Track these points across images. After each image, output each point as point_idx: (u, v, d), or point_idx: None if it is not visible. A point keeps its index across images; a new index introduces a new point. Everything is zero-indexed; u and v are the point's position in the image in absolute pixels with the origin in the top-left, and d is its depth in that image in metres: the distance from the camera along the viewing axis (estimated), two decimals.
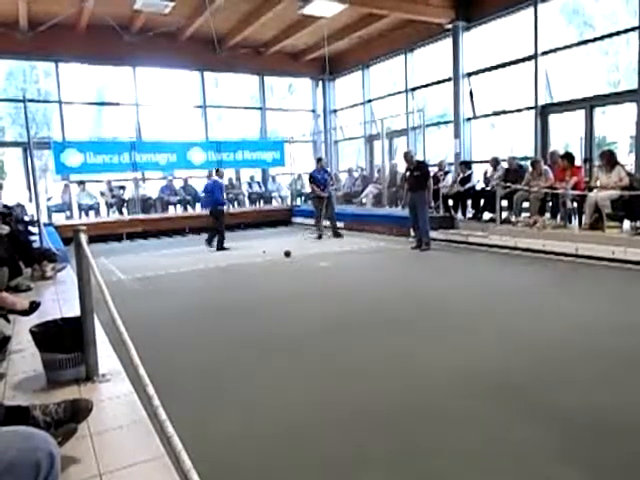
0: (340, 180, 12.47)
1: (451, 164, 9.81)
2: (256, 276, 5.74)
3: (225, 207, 8.16)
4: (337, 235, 8.84)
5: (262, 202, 12.52)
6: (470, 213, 8.06)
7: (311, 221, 10.89)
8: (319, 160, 9.10)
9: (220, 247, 7.91)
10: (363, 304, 4.20)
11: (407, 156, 7.47)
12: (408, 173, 7.38)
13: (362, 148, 12.60)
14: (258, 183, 12.74)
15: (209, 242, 8.13)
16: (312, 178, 8.89)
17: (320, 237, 8.69)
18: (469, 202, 8.04)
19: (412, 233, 7.82)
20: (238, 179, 12.79)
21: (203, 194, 9.00)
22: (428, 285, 4.88)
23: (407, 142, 10.95)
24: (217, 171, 8.50)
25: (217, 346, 3.31)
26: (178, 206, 11.57)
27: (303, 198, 12.69)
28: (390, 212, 9.42)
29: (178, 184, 11.82)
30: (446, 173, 8.90)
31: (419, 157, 8.20)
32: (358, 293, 4.64)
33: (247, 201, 12.75)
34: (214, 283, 5.42)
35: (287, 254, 6.98)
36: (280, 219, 11.46)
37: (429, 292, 4.54)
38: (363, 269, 5.94)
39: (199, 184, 12.07)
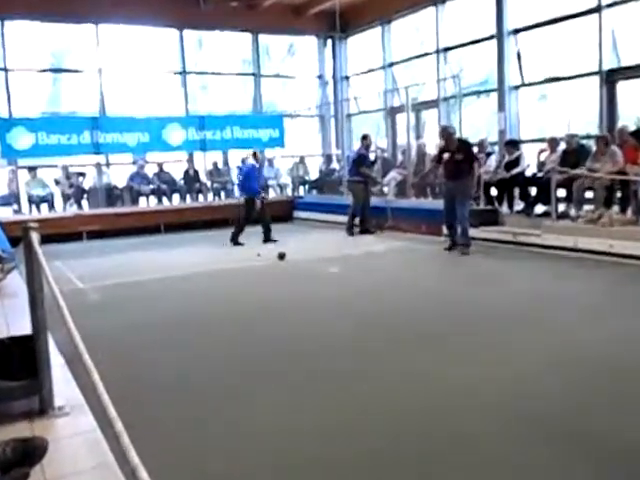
0: None
1: (494, 144, 9.82)
2: (249, 284, 5.86)
3: (258, 198, 8.55)
4: (367, 231, 9.08)
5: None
6: (518, 206, 8.06)
7: (321, 216, 11.09)
8: (365, 138, 9.26)
9: (234, 240, 8.53)
10: (379, 318, 4.32)
11: (445, 133, 7.29)
12: (447, 155, 7.18)
13: (382, 124, 12.61)
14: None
15: (265, 238, 8.60)
16: (364, 159, 9.07)
17: (352, 234, 9.00)
18: (516, 192, 8.03)
19: (445, 231, 7.80)
20: (226, 163, 12.91)
21: (239, 177, 9.79)
22: (464, 296, 4.91)
23: (438, 116, 10.94)
24: (254, 155, 8.97)
25: (201, 369, 3.36)
26: (151, 197, 11.69)
27: (307, 187, 13.03)
28: (417, 204, 9.47)
29: (151, 170, 11.92)
30: (488, 155, 8.85)
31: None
32: (376, 304, 4.75)
33: (237, 190, 13.05)
34: (197, 293, 5.51)
35: (281, 257, 7.08)
36: (279, 213, 11.38)
37: (465, 304, 4.58)
38: (382, 276, 6.00)
39: (177, 170, 12.17)
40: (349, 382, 3.01)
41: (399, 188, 10.48)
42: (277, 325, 4.20)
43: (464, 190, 6.99)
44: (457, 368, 3.12)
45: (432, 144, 10.59)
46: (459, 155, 6.96)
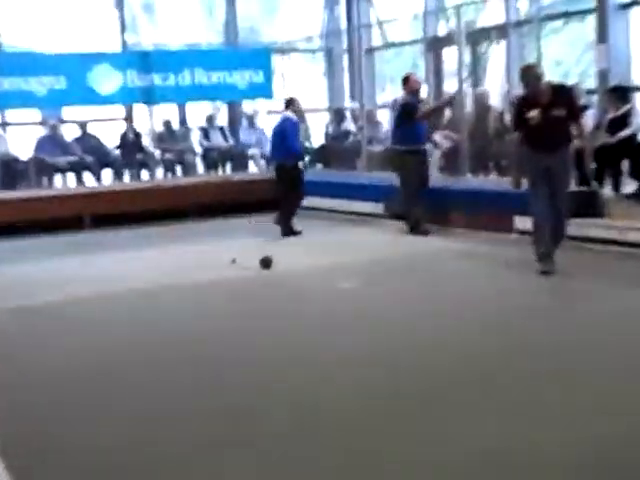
0: (380, 124, 12.55)
1: (590, 92, 9.70)
2: (212, 312, 5.95)
3: (301, 162, 9.11)
4: (417, 230, 9.09)
5: (229, 167, 13.03)
6: (630, 186, 8.05)
7: (328, 203, 11.11)
8: (407, 80, 9.37)
9: (287, 230, 9.21)
10: (420, 368, 4.40)
11: (530, 77, 6.66)
12: (535, 113, 6.65)
13: (420, 64, 12.65)
14: (222, 131, 13.04)
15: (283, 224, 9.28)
16: (412, 111, 9.14)
17: (424, 233, 9.02)
18: (625, 165, 8.08)
19: (533, 238, 7.07)
20: (183, 123, 12.98)
21: (271, 139, 10.13)
22: (551, 332, 4.97)
23: (507, 51, 10.95)
24: (289, 103, 9.48)
25: (134, 450, 3.43)
26: (70, 175, 11.77)
27: (308, 159, 12.76)
28: (477, 186, 9.52)
29: (70, 134, 11.99)
30: (583, 109, 8.81)
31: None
32: (413, 348, 4.80)
33: (200, 165, 12.87)
34: (133, 325, 5.62)
35: (266, 263, 7.25)
36: (264, 199, 11.50)
37: (551, 345, 4.67)
38: (430, 310, 5.87)
39: (110, 134, 12.33)
40: None
41: (447, 161, 10.59)
42: (306, 376, 4.30)
43: (568, 168, 6.88)
44: None
45: (497, 93, 10.50)
46: (558, 110, 6.63)
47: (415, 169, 9.11)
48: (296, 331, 5.26)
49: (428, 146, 10.03)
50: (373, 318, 5.57)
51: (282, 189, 9.37)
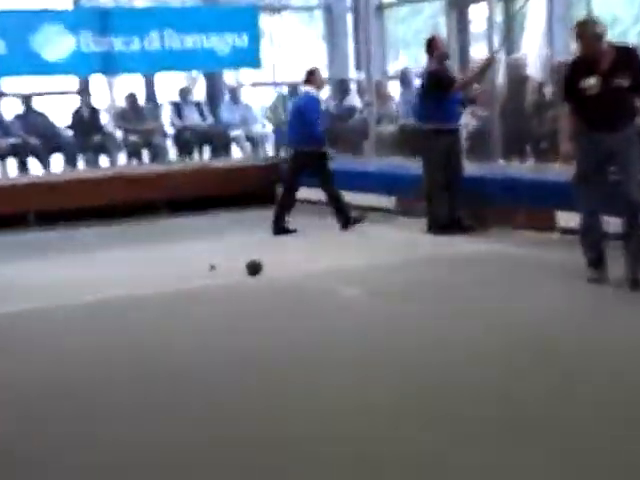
0: (392, 99, 12.52)
1: None
2: (191, 328, 5.95)
3: (324, 147, 9.53)
4: (459, 226, 9.14)
5: (208, 151, 13.07)
6: None
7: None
8: (432, 43, 9.27)
9: (278, 225, 9.58)
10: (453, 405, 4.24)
11: (587, 33, 6.54)
12: (592, 82, 6.53)
13: (441, 25, 13.00)
14: (199, 107, 12.96)
15: (277, 222, 9.62)
16: (447, 79, 9.13)
17: (465, 229, 9.09)
18: None
19: (575, 225, 7.14)
20: (151, 98, 12.99)
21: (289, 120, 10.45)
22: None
23: (548, 7, 11.04)
24: (310, 76, 9.56)
25: None
26: (11, 161, 11.72)
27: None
28: (510, 174, 9.50)
29: (11, 110, 11.99)
30: None
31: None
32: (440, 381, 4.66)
33: (172, 149, 12.87)
34: (96, 341, 5.67)
35: (254, 269, 7.29)
36: (249, 189, 11.55)
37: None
38: (442, 315, 5.97)
39: (60, 111, 12.42)
40: None
41: (474, 144, 10.52)
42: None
43: (635, 150, 6.57)
44: None
45: (536, 59, 10.50)
46: (621, 78, 6.44)
47: (445, 153, 9.06)
48: (280, 366, 5.07)
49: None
50: (386, 344, 5.41)
51: (291, 178, 9.65)
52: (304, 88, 9.81)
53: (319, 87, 9.72)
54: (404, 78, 12.36)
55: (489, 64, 9.33)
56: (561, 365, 4.83)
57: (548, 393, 4.34)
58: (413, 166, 10.41)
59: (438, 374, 4.79)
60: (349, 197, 10.65)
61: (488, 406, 4.20)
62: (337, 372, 4.81)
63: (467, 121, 10.64)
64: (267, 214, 11.06)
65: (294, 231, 9.47)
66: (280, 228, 9.51)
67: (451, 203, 9.13)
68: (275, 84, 13.01)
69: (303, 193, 10.78)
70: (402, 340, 5.41)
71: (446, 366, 4.91)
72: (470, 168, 9.64)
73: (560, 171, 8.07)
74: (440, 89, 8.99)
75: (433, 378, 4.74)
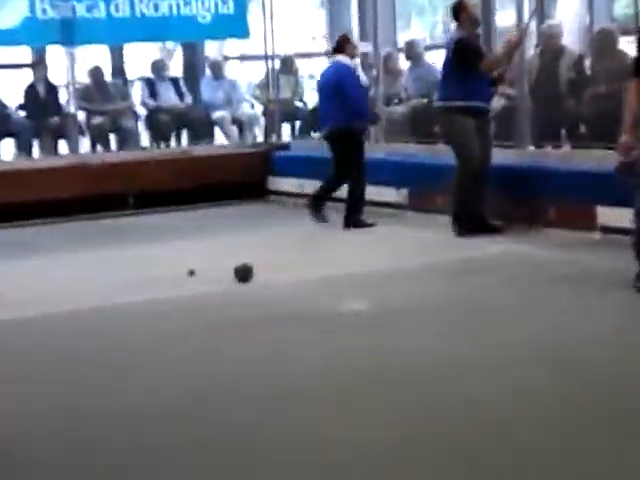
0: (402, 74, 12.57)
1: None
2: (160, 349, 5.89)
3: (363, 124, 9.82)
4: (490, 227, 9.18)
5: (186, 137, 13.38)
6: None
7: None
8: (460, 9, 9.21)
9: (354, 221, 9.72)
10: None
11: None
12: None
13: None
14: (175, 84, 13.14)
15: (317, 208, 9.86)
16: (477, 52, 9.19)
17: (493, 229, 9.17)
18: None
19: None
20: (119, 74, 13.09)
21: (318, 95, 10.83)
22: None
23: None
24: (343, 43, 9.78)
25: None
26: None
27: (299, 125, 13.38)
28: (542, 163, 9.60)
29: None
30: None
31: None
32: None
33: (144, 133, 13.05)
34: (48, 363, 5.60)
35: (243, 274, 7.32)
36: (236, 182, 11.82)
37: None
38: (466, 336, 5.81)
39: (11, 88, 12.40)
40: None
41: (499, 126, 10.51)
42: None
43: None
44: None
45: (573, 28, 10.45)
46: None
47: (475, 136, 9.05)
48: (264, 401, 4.86)
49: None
50: (398, 374, 5.15)
51: (341, 165, 9.72)
52: (335, 58, 9.84)
53: (353, 56, 9.78)
54: (411, 51, 12.42)
55: (521, 38, 9.30)
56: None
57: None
58: (428, 154, 10.66)
59: (476, 429, 4.43)
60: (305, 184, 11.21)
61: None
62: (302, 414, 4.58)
63: (494, 101, 10.54)
64: (256, 209, 11.26)
65: (372, 225, 9.64)
66: (355, 221, 9.64)
67: (477, 198, 9.15)
68: (266, 57, 12.91)
69: (306, 186, 11.04)
70: (406, 365, 5.26)
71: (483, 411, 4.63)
72: (495, 156, 9.61)
73: (601, 159, 8.09)
74: (466, 61, 8.98)
75: (473, 436, 4.33)
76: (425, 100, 11.62)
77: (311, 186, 11.14)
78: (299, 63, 13.56)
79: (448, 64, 9.30)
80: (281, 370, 5.29)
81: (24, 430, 4.57)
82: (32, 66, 12.35)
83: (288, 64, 13.30)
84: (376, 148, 10.99)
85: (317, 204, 9.92)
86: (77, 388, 5.20)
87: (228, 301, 6.95)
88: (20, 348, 5.93)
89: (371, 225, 9.61)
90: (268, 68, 12.97)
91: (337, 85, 9.52)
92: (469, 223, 9.00)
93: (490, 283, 7.20)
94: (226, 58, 13.49)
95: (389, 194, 10.46)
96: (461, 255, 8.21)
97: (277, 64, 13.14)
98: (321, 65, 13.77)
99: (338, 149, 9.66)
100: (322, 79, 10.20)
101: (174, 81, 13.11)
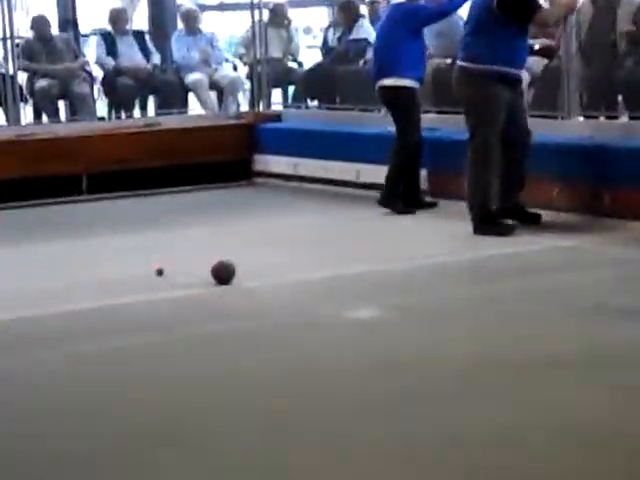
0: None
1: None
2: (116, 371, 5.74)
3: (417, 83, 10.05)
4: (526, 215, 9.33)
5: (153, 105, 13.77)
6: None
7: (322, 169, 11.46)
8: None
9: (413, 201, 9.96)
10: None
11: None
12: None
13: None
14: (139, 39, 13.31)
15: (390, 194, 10.02)
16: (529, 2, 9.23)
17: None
18: None
19: None
20: (69, 26, 13.07)
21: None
22: None
23: None
24: None
25: None
26: None
27: (293, 91, 13.56)
28: (597, 136, 9.62)
29: None
30: None
31: None
32: None
33: (101, 101, 13.16)
34: None
35: (223, 274, 7.34)
36: (217, 161, 12.06)
37: None
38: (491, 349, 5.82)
39: None
40: None
41: (539, 92, 10.76)
42: None
43: None
44: None
45: None
46: None
47: (507, 109, 9.03)
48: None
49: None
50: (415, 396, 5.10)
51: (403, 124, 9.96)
52: None
53: None
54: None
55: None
56: None
57: None
58: (452, 126, 10.60)
59: None
60: (356, 171, 11.23)
61: None
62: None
63: (528, 63, 10.52)
64: (239, 194, 11.25)
65: (433, 205, 9.99)
66: (413, 201, 9.86)
67: (510, 182, 9.08)
68: (252, 6, 13.01)
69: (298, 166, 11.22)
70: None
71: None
72: (533, 129, 9.65)
73: None
74: (515, 11, 8.87)
75: None
76: (449, 61, 11.50)
77: (306, 166, 11.35)
78: (292, 14, 13.56)
79: (482, 15, 9.17)
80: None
81: None
82: None
83: (279, 15, 13.18)
84: (387, 120, 10.85)
85: (394, 187, 9.94)
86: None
87: (206, 308, 6.92)
88: None
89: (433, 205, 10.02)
90: (254, 20, 12.89)
91: (398, 27, 9.81)
92: (491, 215, 8.96)
93: (526, 287, 7.14)
94: (202, 8, 13.33)
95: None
96: (493, 251, 8.23)
97: (265, 15, 13.10)
98: (320, 20, 13.79)
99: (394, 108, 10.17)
100: (384, 21, 10.51)
101: (138, 36, 13.17)
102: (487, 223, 8.84)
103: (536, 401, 4.95)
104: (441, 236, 8.88)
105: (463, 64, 9.32)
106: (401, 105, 9.91)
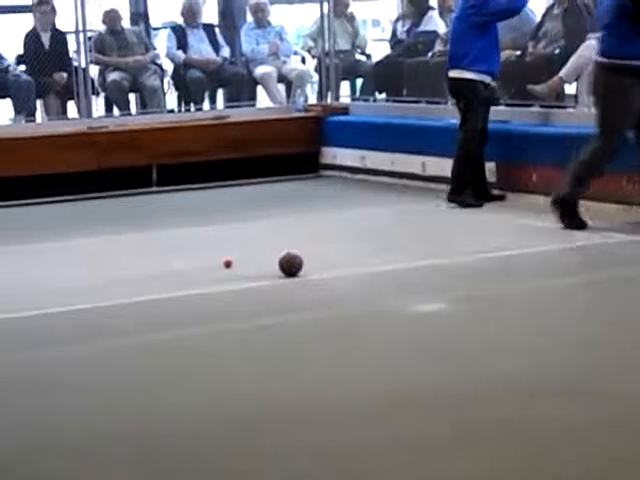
0: None
1: None
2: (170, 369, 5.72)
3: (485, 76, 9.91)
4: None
5: (222, 98, 13.74)
6: None
7: (390, 162, 11.39)
8: None
9: (480, 194, 9.92)
10: None
11: None
12: None
13: None
14: (209, 33, 13.29)
15: (456, 188, 9.96)
16: None
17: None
18: None
19: None
20: (141, 19, 13.16)
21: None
22: None
23: None
24: None
25: None
26: None
27: (361, 83, 13.34)
28: None
29: None
30: None
31: None
32: None
33: (171, 93, 13.17)
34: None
35: (289, 267, 7.33)
36: (285, 154, 12.02)
37: None
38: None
39: (14, 35, 12.48)
40: None
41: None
42: None
43: None
44: None
45: None
46: None
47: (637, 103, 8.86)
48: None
49: None
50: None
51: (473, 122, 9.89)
52: None
53: None
54: None
55: None
56: None
57: None
58: (522, 119, 10.67)
59: None
60: (427, 162, 11.14)
61: None
62: None
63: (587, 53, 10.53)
64: (307, 187, 11.49)
65: (502, 197, 9.99)
66: (480, 193, 9.84)
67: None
68: None
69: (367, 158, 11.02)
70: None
71: None
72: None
73: None
74: None
75: None
76: (518, 53, 11.54)
77: (373, 159, 11.56)
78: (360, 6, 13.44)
79: (616, 9, 9.01)
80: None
81: None
82: (34, 7, 12.15)
83: (339, 4, 13.07)
84: (452, 111, 10.87)
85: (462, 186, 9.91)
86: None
87: (274, 300, 6.93)
88: None
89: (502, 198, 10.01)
90: (322, 12, 12.83)
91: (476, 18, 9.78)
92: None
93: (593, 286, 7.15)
94: (271, 0, 13.44)
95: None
96: (569, 245, 8.23)
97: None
98: (388, 12, 13.66)
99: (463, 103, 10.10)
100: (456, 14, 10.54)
101: (208, 29, 13.19)
102: (572, 216, 8.79)
103: None
104: (509, 229, 8.87)
105: (598, 59, 9.23)
106: (463, 97, 9.90)
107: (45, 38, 12.11)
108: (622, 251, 8.03)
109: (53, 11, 12.29)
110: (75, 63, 12.31)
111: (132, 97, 12.73)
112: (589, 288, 7.10)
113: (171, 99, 13.18)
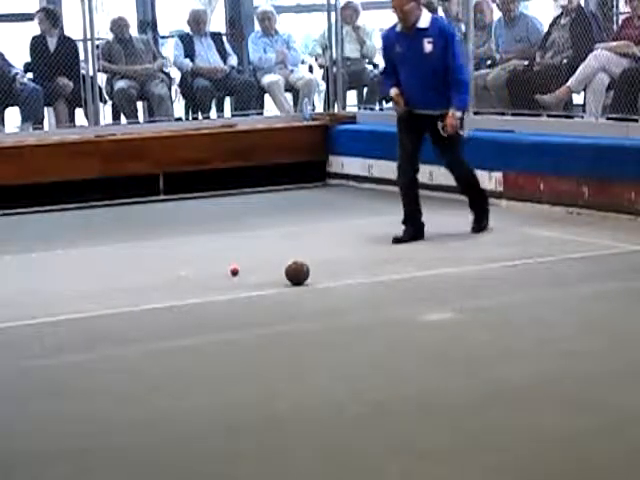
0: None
1: None
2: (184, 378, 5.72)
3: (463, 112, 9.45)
4: None
5: (229, 106, 13.69)
6: None
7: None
8: None
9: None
10: None
11: None
12: None
13: None
14: (217, 41, 13.32)
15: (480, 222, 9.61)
16: None
17: None
18: None
19: None
20: (148, 27, 12.99)
21: None
22: None
23: None
24: None
25: None
26: None
27: (365, 91, 13.14)
28: None
29: None
30: None
31: None
32: None
33: (178, 102, 13.10)
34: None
35: (296, 275, 7.32)
36: (292, 163, 12.06)
37: None
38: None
39: (21, 41, 12.35)
40: None
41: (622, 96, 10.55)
42: None
43: None
44: None
45: None
46: None
47: None
48: None
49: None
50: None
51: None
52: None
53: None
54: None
55: None
56: None
57: None
58: (528, 129, 10.62)
59: None
60: (434, 171, 10.76)
61: None
62: None
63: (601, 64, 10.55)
64: (314, 195, 11.48)
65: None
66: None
67: None
68: (328, 8, 12.89)
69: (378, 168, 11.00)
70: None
71: None
72: (611, 132, 9.72)
73: None
74: None
75: None
76: (525, 63, 11.51)
77: (381, 168, 11.44)
78: (366, 15, 13.44)
79: None
80: None
81: None
82: (39, 13, 12.20)
83: (350, 15, 13.00)
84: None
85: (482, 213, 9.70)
86: None
87: (280, 308, 6.91)
88: None
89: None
90: (330, 21, 12.81)
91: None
92: None
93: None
94: (279, 9, 13.43)
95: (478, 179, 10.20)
96: (575, 255, 8.10)
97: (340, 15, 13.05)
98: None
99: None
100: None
101: (215, 37, 13.21)
102: None
103: None
104: (516, 238, 8.82)
105: None
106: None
107: (51, 42, 12.09)
108: (630, 261, 8.00)
109: (59, 16, 12.36)
110: (83, 71, 12.27)
111: (140, 105, 12.72)
112: (596, 298, 6.97)
113: (178, 107, 13.16)
